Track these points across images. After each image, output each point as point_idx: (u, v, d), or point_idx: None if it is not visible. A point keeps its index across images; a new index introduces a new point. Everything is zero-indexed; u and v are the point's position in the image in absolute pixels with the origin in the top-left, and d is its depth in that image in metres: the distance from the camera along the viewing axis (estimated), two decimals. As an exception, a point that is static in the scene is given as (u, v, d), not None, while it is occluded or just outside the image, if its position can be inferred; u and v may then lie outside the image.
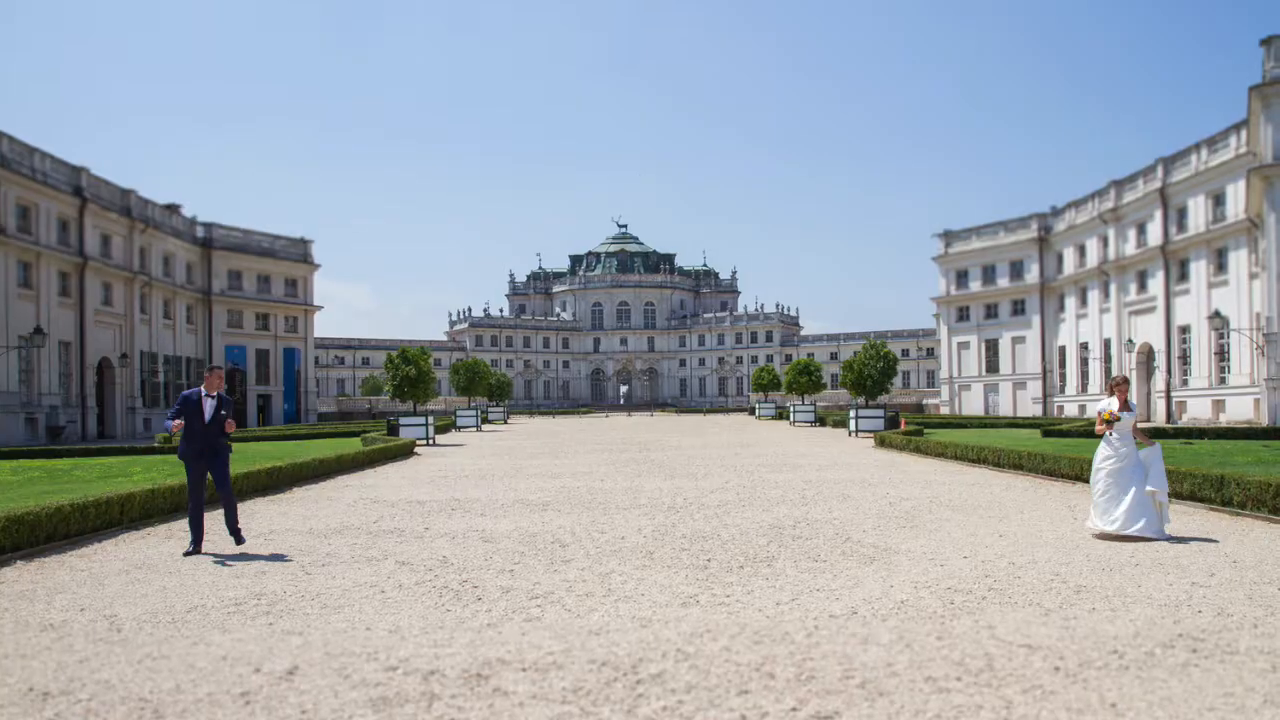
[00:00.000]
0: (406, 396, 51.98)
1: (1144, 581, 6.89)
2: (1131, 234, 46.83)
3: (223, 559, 8.51)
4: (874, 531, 9.70)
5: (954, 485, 14.57)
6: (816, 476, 16.60)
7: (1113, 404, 9.26)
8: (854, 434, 33.96)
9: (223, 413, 9.05)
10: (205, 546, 8.98)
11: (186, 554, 8.68)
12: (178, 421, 8.88)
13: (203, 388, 9.10)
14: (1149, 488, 8.95)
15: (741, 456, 22.69)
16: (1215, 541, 8.66)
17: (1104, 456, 9.26)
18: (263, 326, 56.14)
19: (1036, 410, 55.08)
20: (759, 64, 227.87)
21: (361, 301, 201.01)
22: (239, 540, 9.01)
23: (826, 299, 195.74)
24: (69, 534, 9.53)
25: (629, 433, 39.81)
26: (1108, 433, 9.28)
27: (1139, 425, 9.54)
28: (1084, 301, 52.07)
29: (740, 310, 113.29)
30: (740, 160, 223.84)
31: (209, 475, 9.07)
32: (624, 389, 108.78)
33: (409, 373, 50.62)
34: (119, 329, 42.52)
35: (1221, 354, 39.46)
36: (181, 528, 10.64)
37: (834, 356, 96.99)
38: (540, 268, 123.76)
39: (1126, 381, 9.50)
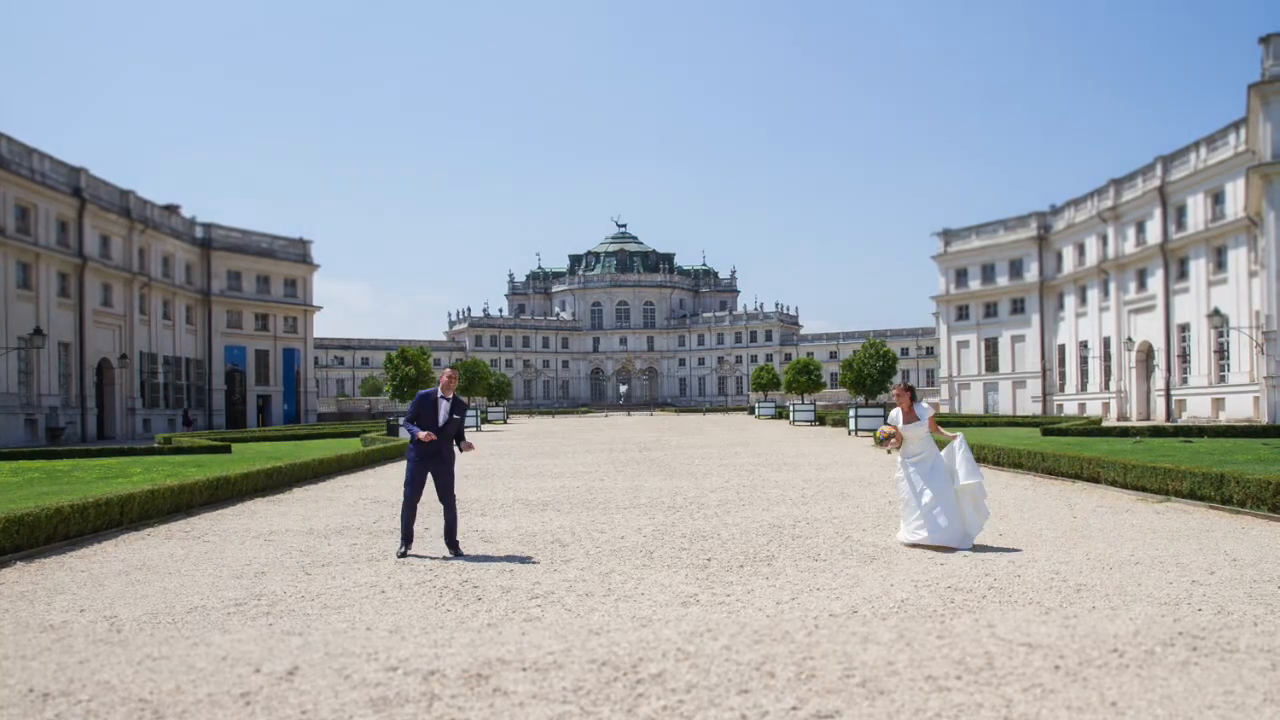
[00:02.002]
0: (406, 397, 51.97)
1: (1144, 580, 6.89)
2: (1131, 232, 46.84)
3: (448, 559, 8.34)
4: (874, 530, 9.70)
5: (954, 484, 14.55)
6: (816, 475, 16.61)
7: (898, 416, 8.90)
8: (853, 433, 33.96)
9: (456, 416, 8.62)
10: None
11: (400, 555, 8.44)
12: (424, 433, 8.43)
13: (439, 389, 8.72)
14: (960, 483, 8.52)
15: (741, 456, 22.69)
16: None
17: (899, 464, 8.94)
18: (262, 327, 56.11)
19: (1036, 409, 55.09)
20: (759, 63, 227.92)
21: (361, 301, 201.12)
22: (456, 553, 8.47)
23: (826, 298, 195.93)
24: (69, 535, 9.51)
25: (628, 432, 39.81)
26: (896, 446, 8.87)
27: (935, 418, 9.05)
28: (1083, 300, 52.07)
29: (739, 309, 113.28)
30: (739, 160, 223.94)
31: (430, 479, 8.64)
32: (623, 388, 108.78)
33: (409, 373, 50.63)
34: (118, 330, 42.51)
35: (1221, 352, 39.47)
36: (181, 529, 10.65)
37: (833, 355, 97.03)
38: (539, 267, 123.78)
39: (909, 389, 9.03)
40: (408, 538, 8.57)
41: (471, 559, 8.31)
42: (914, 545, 8.56)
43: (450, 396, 8.67)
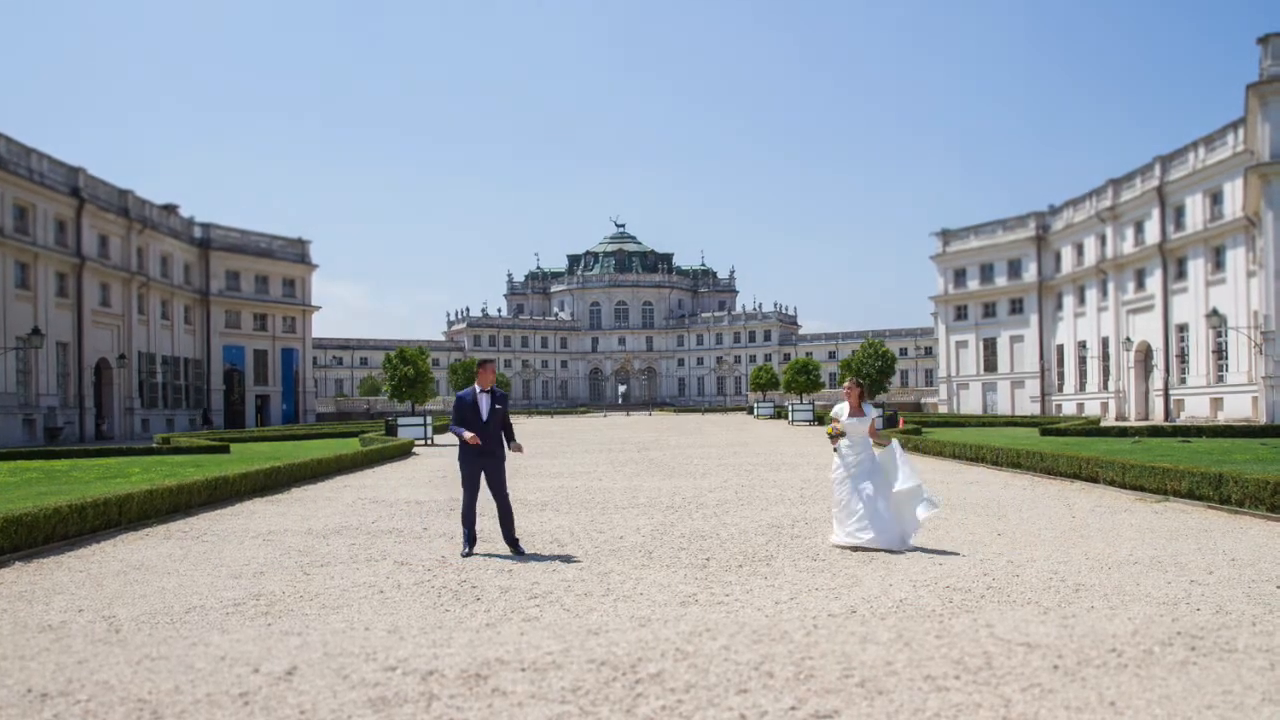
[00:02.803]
0: (405, 397, 51.96)
1: (1142, 580, 6.90)
2: (1129, 232, 46.87)
3: (506, 558, 8.28)
4: (873, 530, 9.68)
5: (952, 484, 14.57)
6: (815, 475, 16.61)
7: (844, 410, 8.85)
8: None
9: (498, 407, 8.57)
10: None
11: (464, 555, 8.39)
12: (470, 434, 8.40)
13: (475, 385, 8.65)
14: (898, 488, 8.41)
15: (740, 456, 22.69)
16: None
17: (835, 466, 8.84)
18: (260, 327, 56.07)
19: (1034, 409, 55.12)
20: (757, 63, 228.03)
21: (359, 301, 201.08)
22: (517, 551, 8.45)
23: (825, 298, 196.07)
24: (67, 535, 9.51)
25: (627, 432, 39.81)
26: (839, 442, 8.81)
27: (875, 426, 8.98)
28: (1082, 300, 52.11)
29: (738, 309, 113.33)
30: (738, 160, 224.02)
31: (484, 478, 8.58)
32: (622, 389, 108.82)
33: (407, 373, 50.60)
34: (117, 329, 42.47)
35: (1219, 352, 39.50)
36: (180, 529, 10.64)
37: (832, 355, 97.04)
38: (538, 268, 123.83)
39: (859, 385, 9.04)
40: (470, 539, 8.55)
41: (476, 559, 8.31)
42: (851, 548, 8.42)
43: (489, 390, 8.64)
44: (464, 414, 8.56)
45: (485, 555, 8.47)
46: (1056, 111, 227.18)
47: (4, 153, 34.38)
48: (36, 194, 36.15)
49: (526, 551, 8.53)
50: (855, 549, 8.40)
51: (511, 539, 8.56)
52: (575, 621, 5.87)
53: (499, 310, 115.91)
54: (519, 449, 8.79)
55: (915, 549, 8.37)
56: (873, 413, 8.97)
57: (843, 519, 8.63)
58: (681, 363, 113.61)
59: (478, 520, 8.85)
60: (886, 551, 8.24)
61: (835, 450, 8.89)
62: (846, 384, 9.12)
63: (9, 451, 23.51)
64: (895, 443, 8.98)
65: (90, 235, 40.09)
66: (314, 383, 65.04)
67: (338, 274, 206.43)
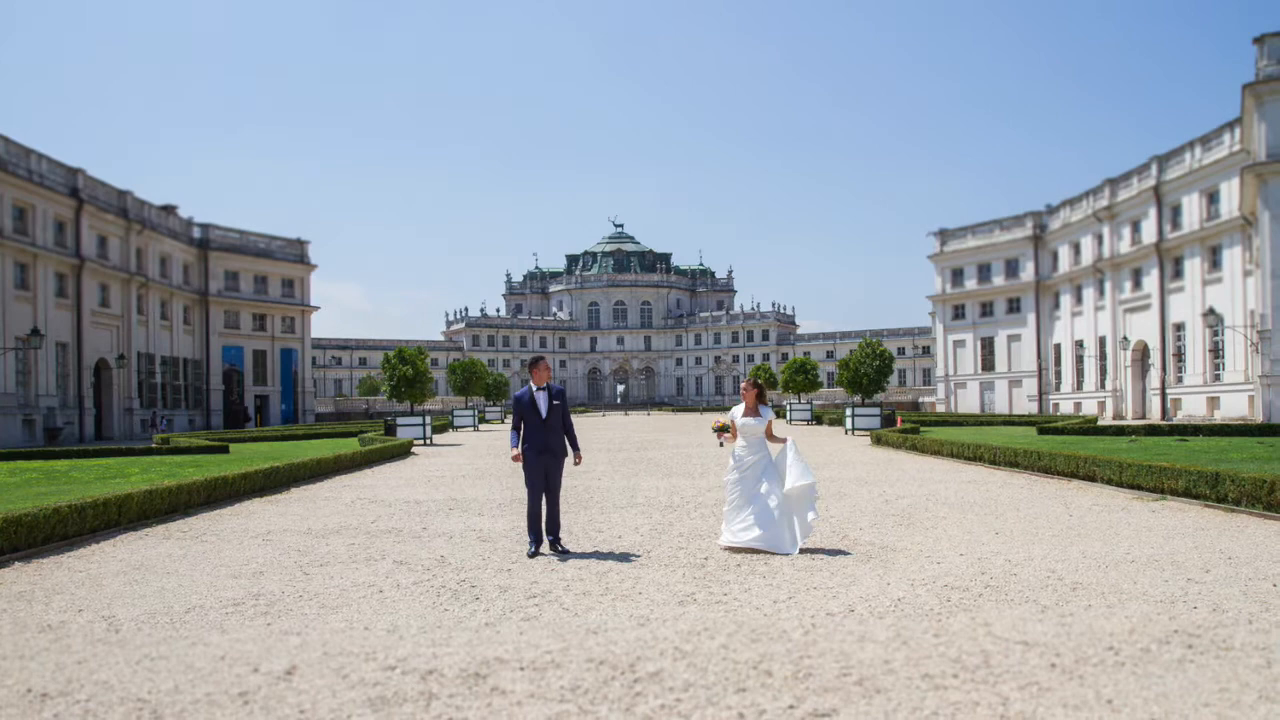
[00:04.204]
0: (404, 396, 51.99)
1: (1140, 578, 6.92)
2: (1126, 232, 46.93)
3: (566, 556, 8.28)
4: (871, 529, 9.72)
5: (950, 483, 14.60)
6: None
7: (739, 410, 8.77)
8: (850, 432, 33.99)
9: (556, 403, 8.50)
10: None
11: (530, 555, 8.33)
12: (514, 452, 8.38)
13: (531, 384, 8.58)
14: (789, 486, 8.34)
15: (738, 455, 22.68)
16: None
17: (730, 468, 8.74)
18: (260, 327, 56.04)
19: (1032, 408, 55.18)
20: (755, 63, 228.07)
21: (358, 302, 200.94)
22: (560, 550, 8.44)
23: (823, 298, 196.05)
24: (67, 535, 9.52)
25: (625, 432, 39.81)
26: (734, 442, 8.73)
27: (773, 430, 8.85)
28: (1079, 299, 52.16)
29: (736, 309, 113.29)
30: (736, 159, 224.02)
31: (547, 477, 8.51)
32: (620, 388, 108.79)
33: (406, 373, 50.63)
34: (116, 330, 42.44)
35: (1216, 351, 39.56)
36: (179, 529, 10.65)
37: (830, 355, 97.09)
38: (537, 267, 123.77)
39: (757, 385, 8.86)
40: (537, 539, 8.50)
41: (474, 559, 8.32)
42: (737, 548, 8.37)
43: (546, 386, 8.58)
44: (523, 414, 8.51)
45: (510, 554, 8.48)
46: (1053, 112, 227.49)
47: (4, 154, 34.36)
48: (36, 195, 36.13)
49: (564, 552, 8.49)
50: (743, 550, 8.32)
51: (555, 538, 8.56)
52: (574, 620, 5.89)
53: (497, 310, 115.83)
54: (579, 460, 8.71)
55: (799, 551, 8.24)
56: (769, 414, 8.82)
57: (730, 518, 8.58)
58: (680, 362, 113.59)
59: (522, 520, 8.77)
60: (770, 553, 8.15)
61: (720, 445, 8.76)
62: (744, 384, 8.97)
63: (8, 452, 23.49)
64: (791, 441, 8.89)
65: (89, 236, 40.06)
66: (313, 383, 64.98)
67: (336, 274, 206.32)
